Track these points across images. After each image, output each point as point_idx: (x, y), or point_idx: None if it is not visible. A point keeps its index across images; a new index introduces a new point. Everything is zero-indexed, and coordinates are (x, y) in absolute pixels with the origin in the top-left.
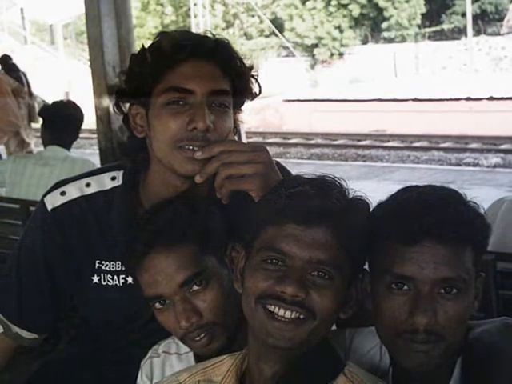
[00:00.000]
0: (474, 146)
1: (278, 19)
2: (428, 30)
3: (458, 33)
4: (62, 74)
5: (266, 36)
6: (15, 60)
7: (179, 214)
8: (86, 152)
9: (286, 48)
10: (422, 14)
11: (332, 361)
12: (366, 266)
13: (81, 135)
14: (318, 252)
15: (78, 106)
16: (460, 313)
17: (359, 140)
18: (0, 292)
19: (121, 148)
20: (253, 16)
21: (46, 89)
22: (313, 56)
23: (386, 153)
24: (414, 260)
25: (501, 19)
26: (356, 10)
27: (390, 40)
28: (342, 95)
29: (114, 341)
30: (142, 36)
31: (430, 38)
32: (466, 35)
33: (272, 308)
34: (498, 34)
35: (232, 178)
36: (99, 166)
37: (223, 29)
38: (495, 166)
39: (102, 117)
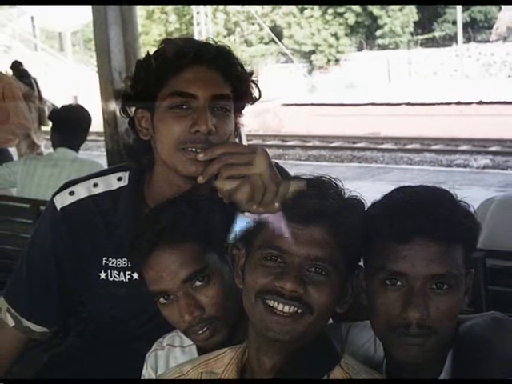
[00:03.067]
0: (464, 148)
1: (277, 27)
2: (420, 37)
3: (449, 40)
4: (71, 79)
5: (266, 43)
6: (26, 66)
7: (182, 214)
8: (94, 154)
9: (284, 54)
10: (415, 22)
11: (329, 353)
12: (361, 263)
13: (88, 138)
14: (315, 249)
15: (85, 110)
16: (451, 307)
17: (355, 142)
18: (11, 288)
19: (127, 150)
20: (253, 24)
21: (56, 93)
22: (310, 62)
23: (381, 154)
24: (406, 257)
25: (490, 27)
26: (351, 18)
27: (384, 47)
28: (338, 99)
29: (119, 334)
30: (147, 43)
31: (422, 44)
32: (456, 42)
33: (271, 303)
34: (488, 41)
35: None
36: (106, 167)
37: (224, 36)
38: (484, 168)
39: (109, 120)
